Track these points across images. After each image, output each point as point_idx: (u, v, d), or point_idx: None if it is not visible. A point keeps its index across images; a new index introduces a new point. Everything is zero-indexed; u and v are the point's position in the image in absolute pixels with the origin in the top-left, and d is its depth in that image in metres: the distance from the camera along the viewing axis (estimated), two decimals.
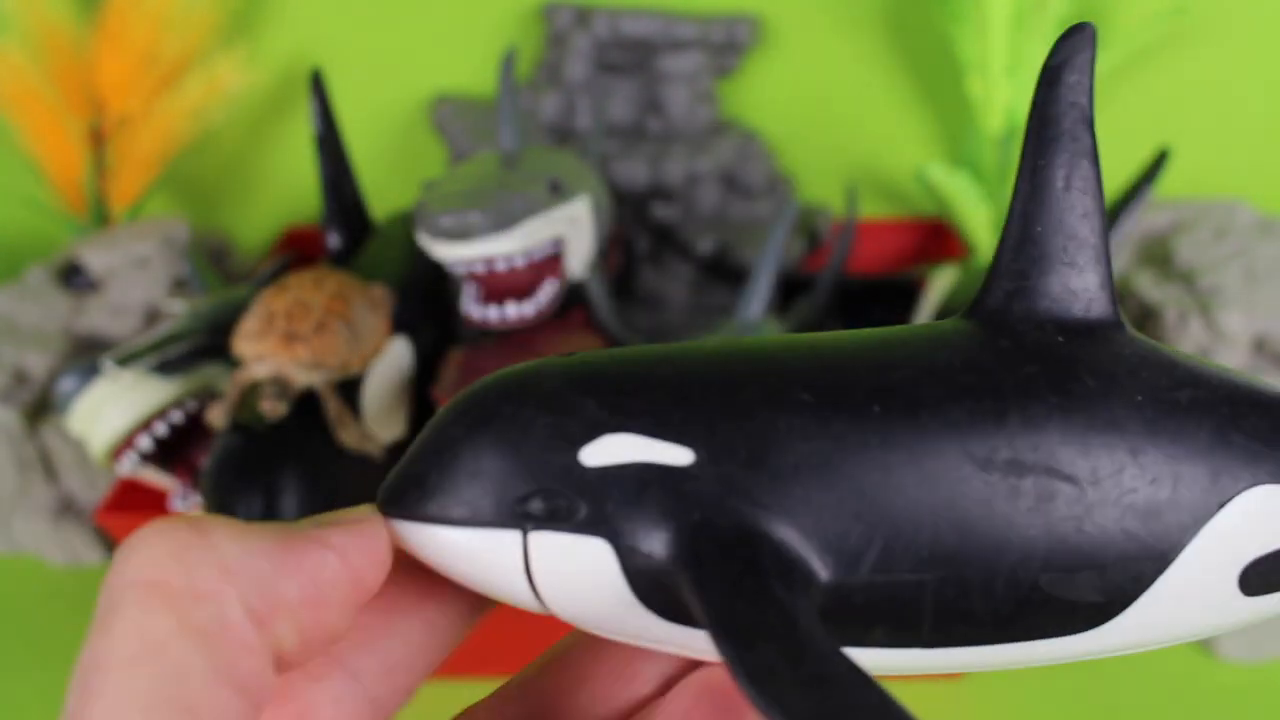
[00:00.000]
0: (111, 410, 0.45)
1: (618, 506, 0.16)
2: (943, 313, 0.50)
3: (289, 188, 0.71)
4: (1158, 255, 0.56)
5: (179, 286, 0.58)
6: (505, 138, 0.46)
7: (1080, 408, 0.17)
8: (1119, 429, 0.17)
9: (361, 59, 0.66)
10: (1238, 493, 0.17)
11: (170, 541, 0.15)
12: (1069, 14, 0.58)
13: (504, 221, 0.41)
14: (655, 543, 0.16)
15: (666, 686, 0.19)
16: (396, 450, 0.44)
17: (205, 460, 0.41)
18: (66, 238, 0.66)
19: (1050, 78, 0.18)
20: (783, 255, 0.52)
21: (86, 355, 0.53)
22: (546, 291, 0.44)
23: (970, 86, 0.59)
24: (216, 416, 0.41)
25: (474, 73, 0.67)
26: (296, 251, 0.63)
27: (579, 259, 0.46)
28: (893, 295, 0.57)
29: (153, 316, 0.57)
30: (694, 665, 0.19)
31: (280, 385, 0.40)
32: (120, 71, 0.60)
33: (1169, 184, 0.59)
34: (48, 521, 0.54)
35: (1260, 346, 0.49)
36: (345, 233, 0.51)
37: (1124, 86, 0.64)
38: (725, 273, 0.59)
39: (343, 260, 0.50)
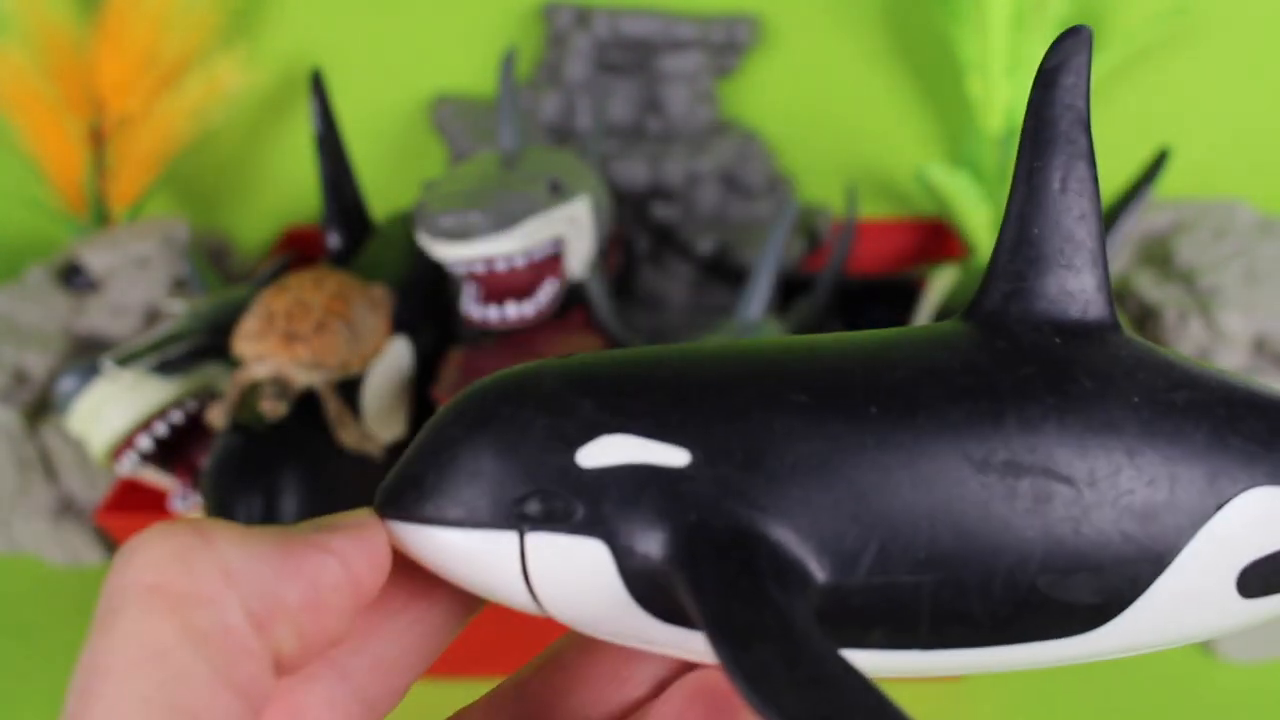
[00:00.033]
0: (111, 410, 0.45)
1: (615, 507, 0.16)
2: (942, 313, 0.50)
3: (289, 188, 0.71)
4: (1158, 255, 0.56)
5: (179, 286, 0.58)
6: (505, 138, 0.46)
7: (1077, 409, 0.17)
8: (1116, 430, 0.17)
9: (361, 59, 0.66)
10: (1235, 495, 0.17)
11: (172, 545, 0.15)
12: (1069, 14, 0.58)
13: (504, 221, 0.41)
14: (652, 544, 0.16)
15: (660, 689, 0.19)
16: (396, 450, 0.44)
17: (205, 460, 0.41)
18: (66, 238, 0.66)
19: (1046, 80, 0.18)
20: (783, 255, 0.52)
21: (86, 355, 0.53)
22: (546, 291, 0.44)
23: (970, 86, 0.59)
24: (216, 416, 0.41)
25: (474, 73, 0.67)
26: (296, 251, 0.63)
27: (579, 259, 0.46)
28: (893, 295, 0.58)
29: (153, 316, 0.57)
30: (688, 668, 0.19)
31: (280, 385, 0.40)
32: (120, 71, 0.61)
33: (1169, 184, 0.59)
34: (48, 521, 0.54)
35: (1260, 346, 0.49)
36: (345, 233, 0.51)
37: (1124, 86, 0.64)
38: (725, 273, 0.59)
39: (343, 260, 0.50)
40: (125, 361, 0.45)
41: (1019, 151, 0.18)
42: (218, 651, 0.14)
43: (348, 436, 0.41)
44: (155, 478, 0.48)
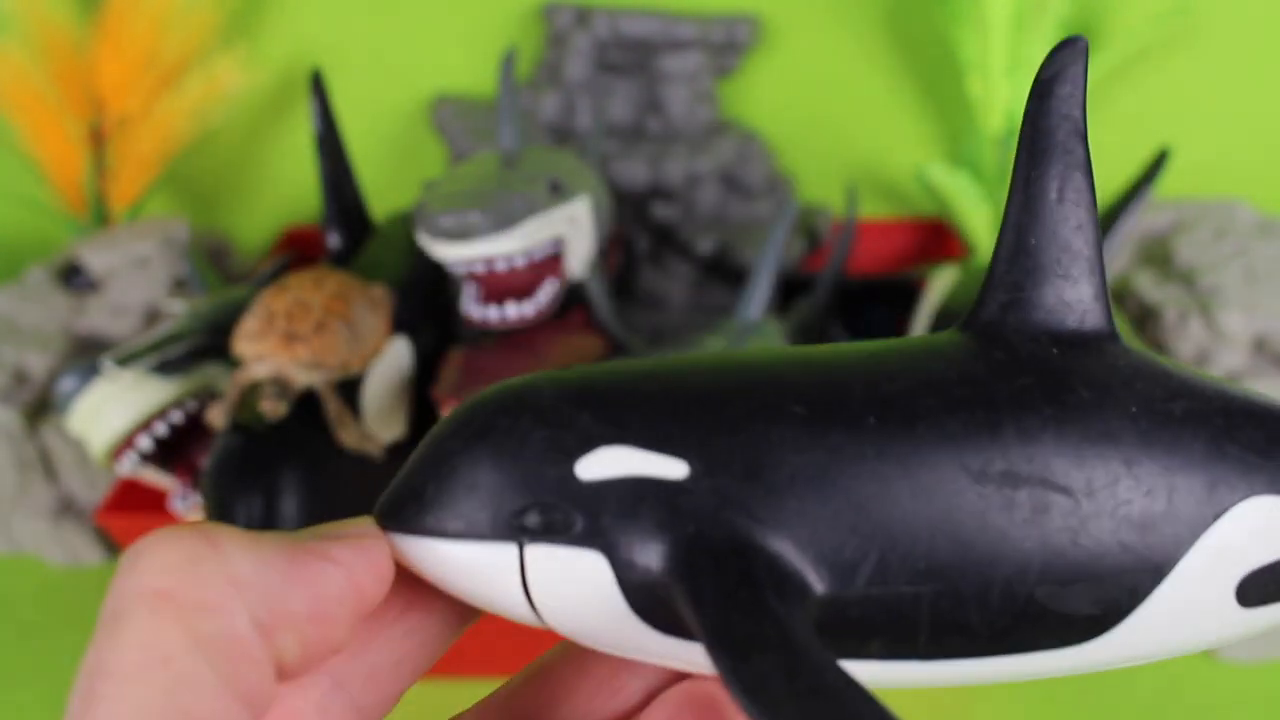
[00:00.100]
0: (111, 410, 0.45)
1: (613, 519, 0.16)
2: (942, 313, 0.50)
3: (289, 188, 0.71)
4: (1158, 255, 0.56)
5: (179, 286, 0.58)
6: (505, 138, 0.46)
7: (1075, 419, 0.17)
8: (1114, 441, 0.17)
9: (361, 59, 0.66)
10: (1233, 504, 0.17)
11: (180, 550, 0.15)
12: (1069, 14, 0.58)
13: (504, 221, 0.41)
14: (651, 556, 0.16)
15: (650, 699, 0.19)
16: (396, 450, 0.44)
17: (205, 460, 0.41)
18: (66, 238, 0.66)
19: (1042, 90, 0.18)
20: (783, 255, 0.52)
21: (86, 355, 0.53)
22: (546, 291, 0.44)
23: (970, 86, 0.59)
24: (216, 416, 0.41)
25: (474, 73, 0.67)
26: (296, 251, 0.63)
27: (579, 259, 0.46)
28: (893, 295, 0.58)
29: (153, 316, 0.57)
30: (678, 678, 0.19)
31: (280, 385, 0.40)
32: (120, 71, 0.61)
33: (1169, 184, 0.59)
34: (48, 521, 0.54)
35: (1260, 346, 0.49)
36: (345, 233, 0.51)
37: (1124, 86, 0.64)
38: (725, 273, 0.59)
39: (343, 260, 0.50)
40: (125, 361, 0.45)
41: (1016, 162, 0.18)
42: (223, 658, 0.14)
43: (348, 436, 0.41)
44: (155, 478, 0.48)
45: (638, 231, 0.60)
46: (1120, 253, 0.56)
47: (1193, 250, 0.54)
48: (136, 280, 0.57)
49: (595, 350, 0.48)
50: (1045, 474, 0.17)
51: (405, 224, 0.52)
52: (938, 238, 0.67)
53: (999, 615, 0.16)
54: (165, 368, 0.45)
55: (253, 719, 0.14)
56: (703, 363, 0.18)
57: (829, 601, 0.16)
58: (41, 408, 0.53)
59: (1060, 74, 0.18)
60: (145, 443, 0.46)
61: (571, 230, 0.45)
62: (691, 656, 0.17)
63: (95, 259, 0.57)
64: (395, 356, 0.45)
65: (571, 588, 0.16)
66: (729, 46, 0.63)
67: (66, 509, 0.55)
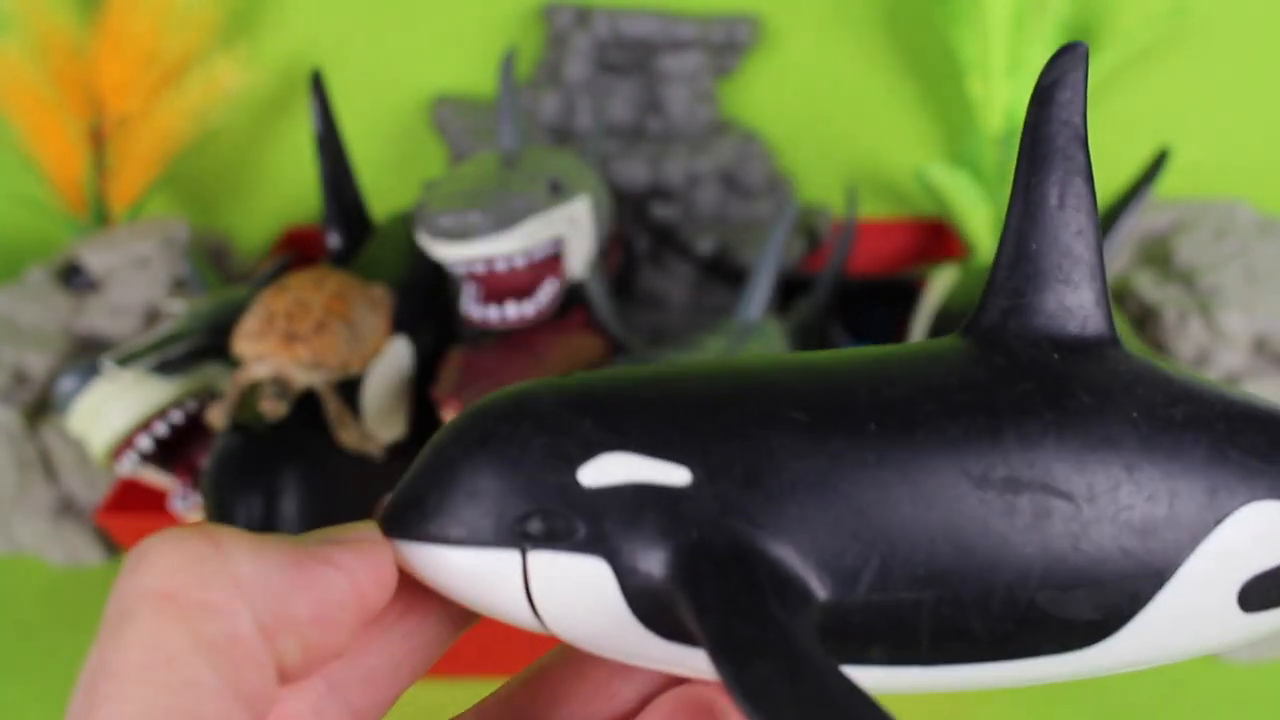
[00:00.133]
0: (111, 410, 0.45)
1: (616, 526, 0.16)
2: (942, 313, 0.50)
3: (289, 188, 0.71)
4: (1158, 255, 0.56)
5: (179, 286, 0.58)
6: (505, 138, 0.46)
7: (1076, 425, 0.17)
8: (1115, 446, 0.17)
9: (361, 59, 0.66)
10: (1235, 509, 0.17)
11: (185, 552, 0.15)
12: (1069, 15, 0.58)
13: (504, 221, 0.41)
14: (653, 562, 0.16)
15: (646, 704, 0.19)
16: (396, 450, 0.44)
17: (205, 460, 0.41)
18: (66, 238, 0.66)
19: (1043, 96, 0.18)
20: (783, 255, 0.52)
21: (86, 355, 0.53)
22: (546, 291, 0.44)
23: (970, 86, 0.59)
24: (216, 416, 0.41)
25: (474, 73, 0.67)
26: (296, 251, 0.63)
27: (579, 259, 0.46)
28: (893, 295, 0.58)
29: (153, 316, 0.57)
30: (675, 683, 0.19)
31: (280, 385, 0.40)
32: (120, 71, 0.61)
33: (1169, 184, 0.59)
34: (48, 521, 0.54)
35: (1260, 346, 0.49)
36: (345, 233, 0.51)
37: (1124, 86, 0.64)
38: (725, 273, 0.60)
39: (343, 260, 0.50)
40: (125, 361, 0.45)
41: (1017, 167, 0.18)
42: (226, 660, 0.14)
43: (348, 436, 0.41)
44: (155, 478, 0.48)
45: (638, 231, 0.60)
46: (1120, 253, 0.56)
47: (1193, 250, 0.54)
48: (136, 280, 0.57)
49: (595, 350, 0.48)
50: (1046, 479, 0.17)
51: (405, 224, 0.52)
52: (938, 238, 0.67)
53: (1000, 621, 0.16)
54: (165, 368, 0.45)
55: (253, 719, 0.14)
56: (704, 369, 0.18)
57: (831, 607, 0.16)
58: (41, 408, 0.53)
59: (1061, 80, 0.18)
60: (145, 443, 0.46)
61: (571, 230, 0.45)
62: (694, 663, 0.17)
63: (95, 259, 0.57)
64: (395, 356, 0.45)
65: (574, 594, 0.16)
66: (729, 46, 0.63)
67: (66, 509, 0.55)
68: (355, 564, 0.16)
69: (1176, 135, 0.57)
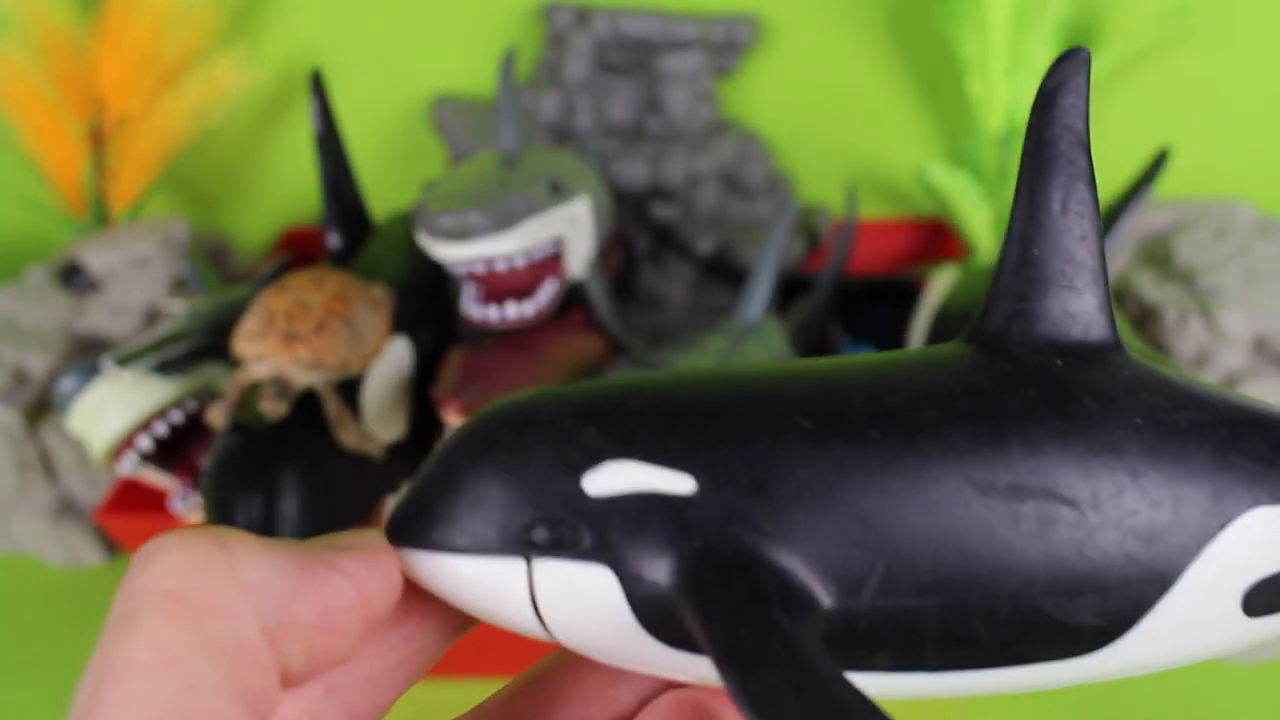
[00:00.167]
0: (111, 410, 0.45)
1: (621, 534, 0.16)
2: (942, 313, 0.50)
3: (289, 188, 0.71)
4: (1158, 255, 0.56)
5: (179, 286, 0.58)
6: (505, 138, 0.46)
7: (1080, 431, 0.17)
8: (1119, 452, 0.17)
9: (361, 59, 0.66)
10: (1239, 514, 0.17)
11: (192, 553, 0.15)
12: (1069, 14, 0.58)
13: (504, 221, 0.41)
14: (659, 570, 0.16)
15: (642, 708, 0.19)
16: (396, 450, 0.44)
17: (205, 460, 0.41)
18: (66, 238, 0.66)
19: (1045, 101, 0.18)
20: (783, 255, 0.52)
21: (86, 355, 0.53)
22: (546, 291, 0.44)
23: (970, 86, 0.59)
24: (216, 416, 0.41)
25: (474, 73, 0.67)
26: (296, 251, 0.63)
27: (579, 259, 0.46)
28: (893, 295, 0.58)
29: (153, 316, 0.57)
30: (671, 687, 0.19)
31: (280, 385, 0.40)
32: (120, 71, 0.61)
33: (1169, 184, 0.59)
34: (48, 521, 0.54)
35: (1260, 346, 0.49)
36: (345, 233, 0.51)
37: (1124, 86, 0.64)
38: (725, 273, 0.60)
39: (343, 260, 0.50)
40: (125, 361, 0.45)
41: (1019, 173, 0.18)
42: (230, 663, 0.14)
43: (348, 436, 0.41)
44: (155, 478, 0.48)
45: (638, 231, 0.60)
46: (1120, 253, 0.56)
47: (1193, 250, 0.54)
48: (136, 280, 0.57)
49: (595, 350, 0.48)
50: (1051, 486, 0.17)
51: (405, 224, 0.52)
52: (938, 238, 0.67)
53: (1005, 627, 0.16)
54: (165, 368, 0.45)
55: None
56: (708, 376, 0.18)
57: (836, 615, 0.16)
58: (41, 408, 0.53)
59: (1063, 85, 0.18)
60: (145, 443, 0.46)
61: (571, 230, 0.45)
62: (700, 670, 0.17)
63: (95, 259, 0.57)
64: (395, 356, 0.45)
65: (579, 602, 0.16)
66: (729, 46, 0.63)
67: (66, 509, 0.55)
68: (361, 571, 0.16)
69: (1176, 135, 0.57)
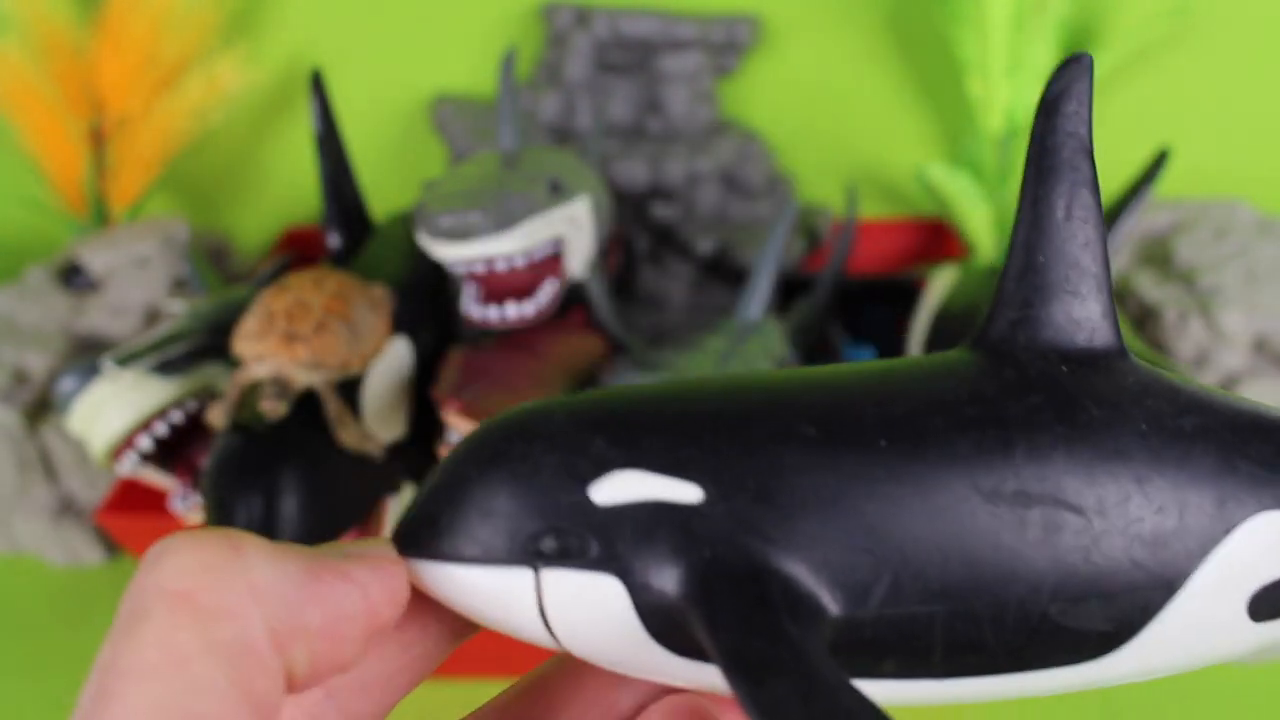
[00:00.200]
0: (111, 410, 0.45)
1: (629, 544, 0.16)
2: (942, 313, 0.50)
3: (289, 188, 0.71)
4: (1158, 255, 0.56)
5: (179, 286, 0.58)
6: (505, 138, 0.46)
7: (1085, 438, 0.17)
8: (1124, 458, 0.17)
9: (361, 59, 0.66)
10: (1244, 519, 0.17)
11: (203, 554, 0.15)
12: (1069, 14, 0.58)
13: (504, 221, 0.41)
14: (666, 580, 0.16)
15: (641, 712, 0.19)
16: (396, 450, 0.44)
17: (205, 460, 0.41)
18: (66, 238, 0.66)
19: (1048, 108, 0.18)
20: (783, 255, 0.52)
21: (86, 355, 0.53)
22: (546, 291, 0.44)
23: (970, 86, 0.59)
24: (216, 416, 0.41)
25: (474, 73, 0.67)
26: (296, 251, 0.63)
27: (579, 259, 0.46)
28: (893, 295, 0.58)
29: (153, 316, 0.57)
30: (669, 691, 0.19)
31: (280, 385, 0.40)
32: (120, 71, 0.61)
33: (1169, 184, 0.59)
34: (48, 521, 0.54)
35: (1260, 346, 0.49)
36: (345, 233, 0.51)
37: (1124, 86, 0.64)
38: (725, 273, 0.60)
39: (343, 260, 0.50)
40: (125, 361, 0.45)
41: (1023, 180, 0.18)
42: (237, 665, 0.14)
43: (348, 436, 0.41)
44: (155, 478, 0.48)
45: (638, 231, 0.60)
46: (1120, 253, 0.56)
47: (1193, 250, 0.54)
48: (136, 280, 0.57)
49: (595, 350, 0.48)
50: (1057, 493, 0.17)
51: (405, 224, 0.52)
52: (938, 238, 0.67)
53: (1012, 633, 0.17)
54: (165, 368, 0.45)
55: None
56: (714, 386, 0.18)
57: (843, 623, 0.16)
58: (41, 408, 0.53)
59: (1066, 91, 0.18)
60: (145, 443, 0.46)
61: (571, 230, 0.45)
62: (708, 679, 0.17)
63: (95, 259, 0.57)
64: (395, 356, 0.45)
65: (587, 612, 0.16)
66: (729, 46, 0.63)
67: (66, 509, 0.55)
68: (369, 579, 0.16)
69: (1176, 135, 0.57)
